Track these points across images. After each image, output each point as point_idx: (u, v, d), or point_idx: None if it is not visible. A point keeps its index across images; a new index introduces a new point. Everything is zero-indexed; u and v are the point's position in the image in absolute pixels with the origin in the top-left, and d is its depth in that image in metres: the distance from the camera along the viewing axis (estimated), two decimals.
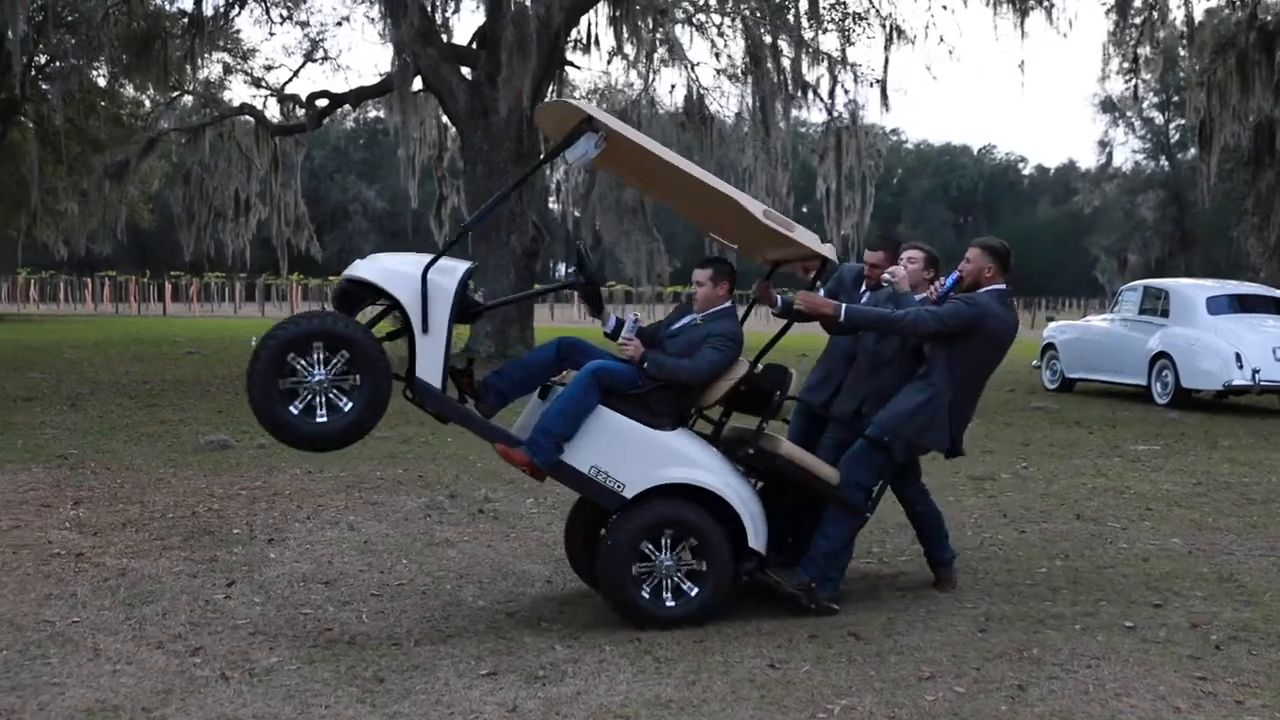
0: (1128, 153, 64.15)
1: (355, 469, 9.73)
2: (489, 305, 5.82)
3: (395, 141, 27.39)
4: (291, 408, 5.26)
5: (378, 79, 27.45)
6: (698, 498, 5.62)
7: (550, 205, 37.23)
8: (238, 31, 36.68)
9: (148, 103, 33.99)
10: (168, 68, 24.77)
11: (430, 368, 5.37)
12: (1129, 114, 55.01)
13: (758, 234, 5.84)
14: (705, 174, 5.64)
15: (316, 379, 5.27)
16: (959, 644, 5.34)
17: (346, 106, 26.07)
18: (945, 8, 36.42)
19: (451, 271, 5.44)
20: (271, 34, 46.79)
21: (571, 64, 22.94)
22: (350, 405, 5.30)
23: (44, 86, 33.98)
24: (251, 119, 26.32)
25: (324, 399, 5.29)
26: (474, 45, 21.47)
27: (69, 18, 29.56)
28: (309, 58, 28.25)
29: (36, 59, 32.29)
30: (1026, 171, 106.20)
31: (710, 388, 5.79)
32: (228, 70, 30.87)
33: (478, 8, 36.23)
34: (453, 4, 28.47)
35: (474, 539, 7.50)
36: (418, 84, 21.80)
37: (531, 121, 20.07)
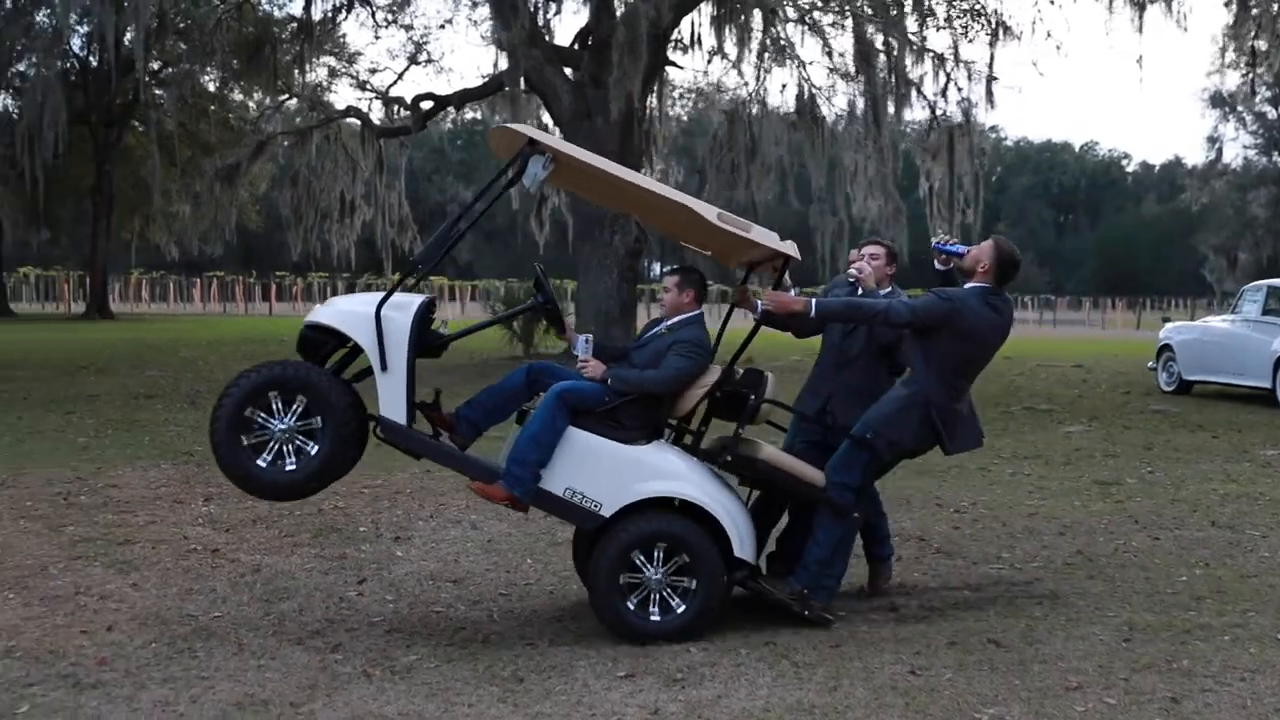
0: (1238, 148, 62.07)
1: None
2: (452, 337, 5.80)
3: None
4: (261, 460, 5.28)
5: (480, 80, 27.71)
6: (685, 510, 5.47)
7: None
8: (344, 36, 37.48)
9: (253, 106, 34.87)
10: (277, 72, 25.38)
11: (394, 405, 5.31)
12: (1240, 109, 53.48)
13: (720, 238, 5.70)
14: (655, 184, 5.56)
15: (279, 429, 5.29)
16: (1103, 654, 5.21)
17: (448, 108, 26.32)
18: (1053, 2, 35.62)
19: (406, 307, 5.38)
20: (377, 38, 47.75)
21: (674, 64, 22.88)
22: (316, 447, 5.30)
23: (157, 92, 35.07)
24: (357, 121, 26.75)
25: (293, 444, 5.30)
26: (576, 46, 21.53)
27: (182, 24, 30.44)
28: (413, 60, 28.67)
29: (150, 65, 33.30)
30: (1130, 168, 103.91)
31: (682, 397, 5.65)
32: (334, 74, 31.61)
33: (579, 10, 36.54)
34: (555, 5, 28.45)
35: None
36: (520, 85, 21.90)
37: (641, 122, 20.08)
